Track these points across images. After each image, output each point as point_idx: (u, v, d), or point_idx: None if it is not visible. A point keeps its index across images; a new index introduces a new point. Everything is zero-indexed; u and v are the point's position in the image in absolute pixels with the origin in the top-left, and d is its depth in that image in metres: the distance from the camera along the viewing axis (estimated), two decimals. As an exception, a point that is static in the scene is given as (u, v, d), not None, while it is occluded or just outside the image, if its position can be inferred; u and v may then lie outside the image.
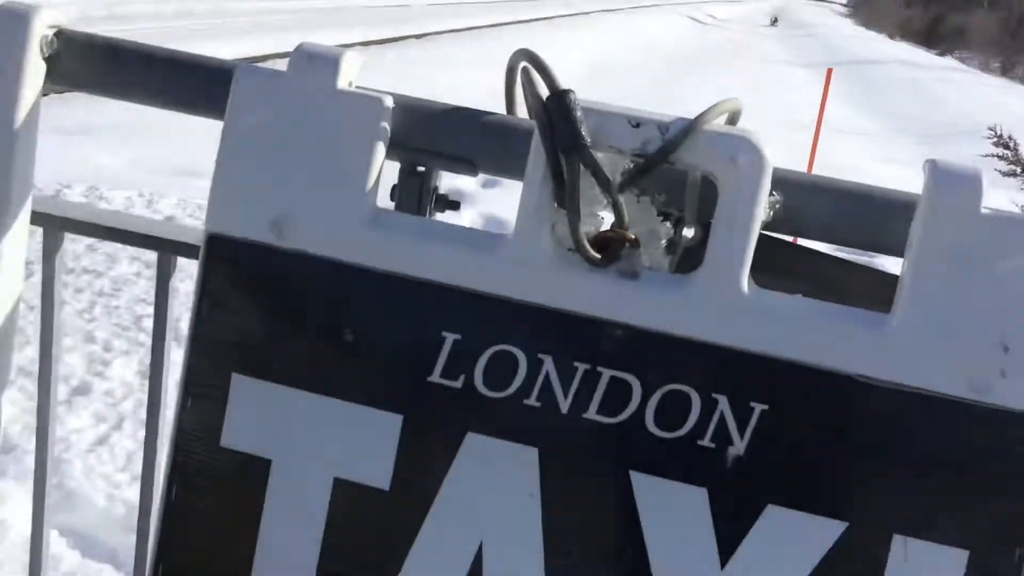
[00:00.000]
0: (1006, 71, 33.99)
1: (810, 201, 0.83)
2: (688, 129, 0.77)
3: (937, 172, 0.76)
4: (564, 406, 0.78)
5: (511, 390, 0.78)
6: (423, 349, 0.79)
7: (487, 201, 5.88)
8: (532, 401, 0.78)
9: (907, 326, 0.75)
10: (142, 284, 3.82)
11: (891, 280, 0.80)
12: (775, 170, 0.79)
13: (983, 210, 0.74)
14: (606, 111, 0.77)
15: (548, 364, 0.78)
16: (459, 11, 20.33)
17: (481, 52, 13.62)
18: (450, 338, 0.79)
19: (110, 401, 2.97)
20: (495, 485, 0.78)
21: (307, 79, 0.81)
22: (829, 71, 5.52)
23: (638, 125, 0.77)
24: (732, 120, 0.84)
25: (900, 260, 0.79)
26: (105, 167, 5.58)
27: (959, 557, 0.74)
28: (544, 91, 0.79)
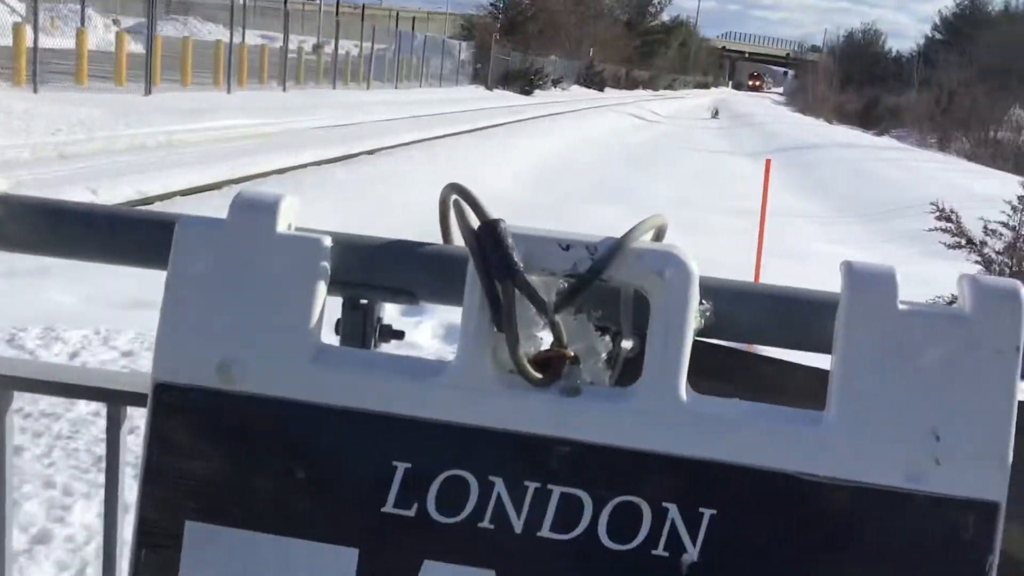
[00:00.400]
0: (943, 146, 35.15)
1: (739, 307, 0.86)
2: (616, 248, 0.80)
3: (852, 272, 0.79)
4: (518, 526, 0.79)
5: (464, 514, 0.79)
6: (375, 481, 0.80)
7: (448, 309, 5.92)
8: (486, 524, 0.79)
9: (841, 422, 0.77)
10: (100, 424, 3.77)
11: (824, 375, 0.83)
12: (703, 279, 0.83)
13: (900, 306, 0.78)
14: (536, 236, 0.81)
15: (499, 486, 0.79)
16: (412, 125, 20.75)
17: (433, 165, 13.87)
18: (401, 467, 0.80)
19: (71, 547, 2.90)
20: None
21: (246, 226, 0.83)
22: (767, 162, 5.69)
23: (567, 248, 0.80)
24: (659, 236, 0.88)
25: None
26: (61, 305, 5.56)
27: None
28: (475, 221, 0.82)
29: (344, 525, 0.80)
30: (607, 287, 0.83)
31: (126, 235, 0.91)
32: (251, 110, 19.03)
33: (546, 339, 0.84)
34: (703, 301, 0.83)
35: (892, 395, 0.77)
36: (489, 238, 0.80)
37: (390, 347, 0.94)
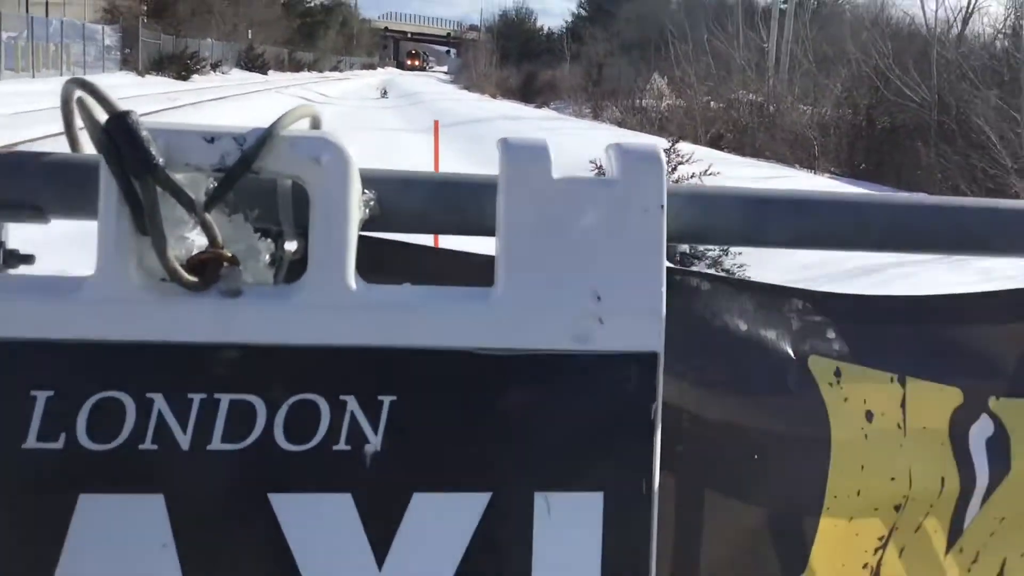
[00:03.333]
0: (596, 115, 37.76)
1: (403, 195, 0.84)
2: (266, 136, 0.75)
3: (508, 148, 0.80)
4: (184, 443, 0.72)
5: (121, 439, 0.71)
6: (11, 415, 0.70)
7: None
8: (147, 445, 0.72)
9: (508, 294, 0.78)
10: None
11: (492, 260, 0.83)
12: (364, 170, 0.80)
13: (554, 175, 0.80)
14: (176, 129, 0.74)
15: (160, 403, 0.72)
16: (51, 117, 19.00)
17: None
18: (42, 396, 0.71)
19: None
20: (123, 544, 0.71)
21: None
22: (436, 123, 5.81)
23: (212, 140, 0.74)
24: (315, 126, 0.84)
25: None
26: None
27: (595, 499, 0.77)
28: (104, 117, 0.74)
29: None
30: (262, 181, 0.78)
31: None
32: None
33: (199, 242, 0.77)
34: (366, 191, 0.80)
35: (553, 262, 0.78)
36: (121, 132, 0.72)
37: (20, 272, 0.82)
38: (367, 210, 0.81)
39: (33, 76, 33.78)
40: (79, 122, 0.78)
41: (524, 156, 0.80)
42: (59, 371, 0.71)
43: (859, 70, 23.75)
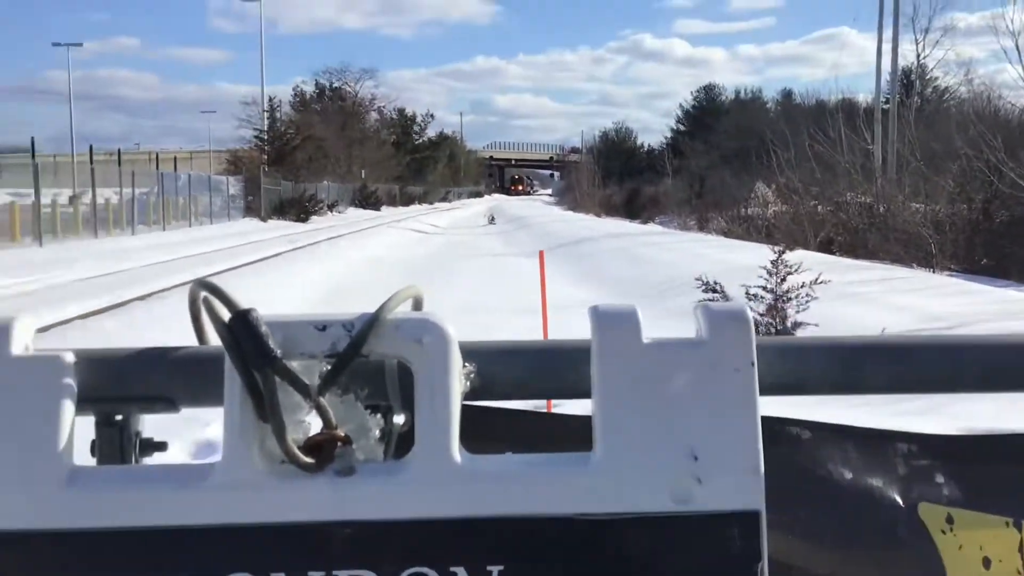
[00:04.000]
0: (702, 226, 37.74)
1: (501, 365, 0.89)
2: (372, 321, 0.81)
3: (599, 315, 0.84)
4: None
5: None
6: None
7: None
8: None
9: (607, 458, 0.80)
10: None
11: (588, 420, 0.86)
12: (463, 343, 0.85)
13: (644, 340, 0.83)
14: (290, 321, 0.80)
15: None
16: (184, 266, 20.11)
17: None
18: None
19: None
20: None
21: None
22: (541, 253, 5.93)
23: (324, 328, 0.81)
24: (417, 306, 0.90)
25: None
26: None
27: None
28: (227, 315, 0.81)
29: None
30: (370, 363, 0.83)
31: None
32: (4, 270, 17.88)
33: (315, 424, 0.83)
34: (466, 363, 0.85)
35: (649, 424, 0.81)
36: (242, 328, 0.79)
37: (153, 460, 0.89)
38: (468, 382, 0.85)
39: (164, 229, 35.90)
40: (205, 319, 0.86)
41: (615, 322, 0.84)
42: (189, 556, 0.76)
43: (970, 165, 23.23)
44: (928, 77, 48.59)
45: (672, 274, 16.23)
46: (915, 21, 39.88)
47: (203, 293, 0.84)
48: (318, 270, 20.24)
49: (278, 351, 0.78)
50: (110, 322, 12.19)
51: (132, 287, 15.87)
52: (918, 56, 42.77)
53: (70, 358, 0.80)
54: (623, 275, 18.23)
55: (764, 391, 0.84)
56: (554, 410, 0.96)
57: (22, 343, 0.81)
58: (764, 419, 0.83)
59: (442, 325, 0.82)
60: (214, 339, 0.88)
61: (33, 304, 13.82)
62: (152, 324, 11.83)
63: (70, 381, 0.80)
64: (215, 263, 20.74)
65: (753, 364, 0.82)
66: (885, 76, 33.20)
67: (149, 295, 15.08)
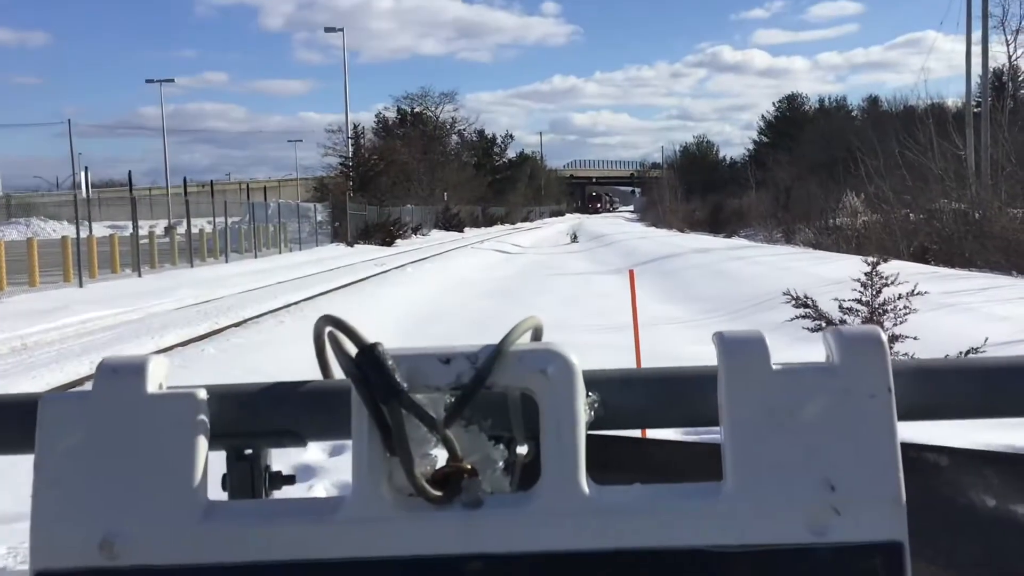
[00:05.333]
0: (789, 239, 37.03)
1: (625, 394, 0.87)
2: (496, 354, 0.81)
3: (725, 342, 0.82)
4: None
5: None
6: None
7: (339, 470, 5.76)
8: None
9: (739, 489, 0.78)
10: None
11: (715, 448, 0.84)
12: (586, 372, 0.84)
13: (774, 366, 0.81)
14: (415, 354, 0.81)
15: None
16: (276, 292, 20.55)
17: (304, 324, 13.71)
18: None
19: None
20: None
21: (115, 392, 0.80)
22: (631, 272, 5.89)
23: (448, 361, 0.81)
24: (536, 336, 0.89)
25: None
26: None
27: None
28: (353, 349, 0.81)
29: None
30: (494, 394, 0.83)
31: (-14, 421, 0.86)
32: (106, 300, 18.53)
33: (441, 456, 0.82)
34: (590, 393, 0.84)
35: (782, 453, 0.78)
36: (369, 363, 0.79)
37: (282, 494, 0.90)
38: (592, 412, 0.84)
39: (256, 256, 36.81)
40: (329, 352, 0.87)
41: (742, 349, 0.82)
42: None
43: (1071, 165, 22.34)
44: (1021, 79, 46.95)
45: (759, 289, 15.95)
46: (1004, 22, 38.69)
47: (328, 328, 0.85)
48: (406, 292, 20.48)
49: (404, 384, 0.78)
50: (210, 348, 12.52)
51: (228, 314, 16.29)
52: (1009, 58, 41.38)
53: (203, 395, 0.82)
54: (709, 291, 17.99)
55: (900, 418, 0.81)
56: (679, 438, 0.94)
57: (156, 381, 0.83)
58: (902, 445, 0.80)
59: (566, 355, 0.81)
60: (337, 372, 0.89)
61: (133, 333, 14.29)
62: (250, 349, 12.11)
63: (203, 417, 0.81)
64: (305, 289, 21.16)
65: (890, 390, 0.79)
66: (975, 79, 32.22)
67: (244, 321, 15.47)
